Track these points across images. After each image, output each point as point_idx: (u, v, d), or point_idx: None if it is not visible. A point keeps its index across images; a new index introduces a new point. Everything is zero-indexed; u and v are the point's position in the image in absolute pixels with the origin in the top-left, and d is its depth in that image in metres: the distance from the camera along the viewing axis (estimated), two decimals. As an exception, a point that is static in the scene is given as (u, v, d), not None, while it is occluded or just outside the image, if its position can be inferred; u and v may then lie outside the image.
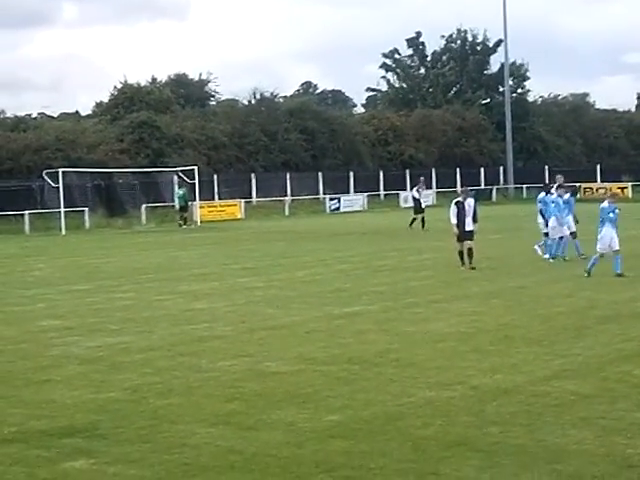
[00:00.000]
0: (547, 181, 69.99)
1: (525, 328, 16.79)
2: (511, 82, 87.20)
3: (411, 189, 70.44)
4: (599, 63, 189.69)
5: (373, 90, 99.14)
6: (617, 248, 23.69)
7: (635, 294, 20.79)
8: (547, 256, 28.14)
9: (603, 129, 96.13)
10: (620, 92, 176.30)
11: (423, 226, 42.93)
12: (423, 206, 44.10)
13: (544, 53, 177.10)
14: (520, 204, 69.20)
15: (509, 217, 52.52)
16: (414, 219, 43.98)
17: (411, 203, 64.14)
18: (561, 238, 28.12)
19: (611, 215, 23.61)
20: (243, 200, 63.16)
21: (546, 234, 28.77)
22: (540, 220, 29.39)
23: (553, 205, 28.21)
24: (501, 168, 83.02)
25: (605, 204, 23.96)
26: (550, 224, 28.09)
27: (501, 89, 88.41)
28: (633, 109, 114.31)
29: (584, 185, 74.96)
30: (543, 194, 29.72)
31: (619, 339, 15.45)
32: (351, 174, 73.90)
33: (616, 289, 21.64)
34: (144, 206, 57.05)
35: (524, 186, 79.16)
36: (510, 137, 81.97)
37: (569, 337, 15.81)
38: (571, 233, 28.35)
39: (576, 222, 28.79)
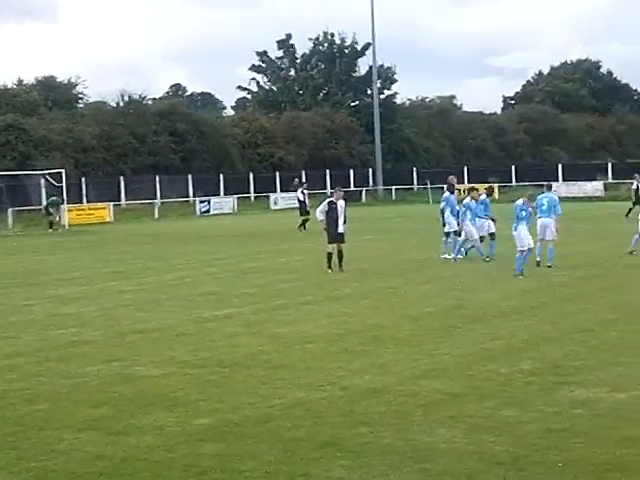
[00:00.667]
0: (416, 183, 71.05)
1: (394, 328, 16.98)
2: (379, 85, 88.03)
3: (284, 191, 70.87)
4: (466, 66, 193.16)
5: (244, 89, 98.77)
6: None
7: (502, 293, 21.24)
8: (452, 255, 28.14)
9: (470, 131, 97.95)
10: (486, 94, 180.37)
11: (304, 228, 42.61)
12: (308, 208, 42.71)
13: (412, 56, 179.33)
14: (389, 205, 70.11)
15: (379, 219, 53.08)
16: (304, 221, 42.95)
17: (282, 205, 64.21)
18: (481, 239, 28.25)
19: (524, 213, 24.16)
20: (112, 203, 62.40)
21: (447, 234, 28.80)
22: (445, 219, 29.31)
23: (464, 208, 28.07)
24: (370, 170, 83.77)
25: (519, 202, 24.45)
26: (469, 226, 27.90)
27: (369, 92, 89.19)
28: (499, 111, 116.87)
29: (451, 187, 76.14)
30: (447, 193, 29.77)
31: (486, 338, 15.75)
32: (221, 176, 73.68)
33: (483, 289, 22.06)
34: (10, 210, 55.83)
35: (393, 187, 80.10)
36: (379, 139, 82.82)
37: (437, 337, 16.06)
38: (490, 234, 28.37)
39: (493, 221, 28.66)
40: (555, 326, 16.85)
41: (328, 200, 26.98)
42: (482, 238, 28.24)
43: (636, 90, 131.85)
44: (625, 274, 24.17)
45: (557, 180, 73.68)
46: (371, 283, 23.89)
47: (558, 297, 20.54)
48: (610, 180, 73.59)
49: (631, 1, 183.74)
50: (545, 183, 29.57)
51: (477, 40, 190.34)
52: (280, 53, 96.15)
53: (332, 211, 26.33)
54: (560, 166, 78.32)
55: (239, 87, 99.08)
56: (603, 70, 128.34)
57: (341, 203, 26.59)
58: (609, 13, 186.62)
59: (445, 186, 31.26)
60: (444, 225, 29.26)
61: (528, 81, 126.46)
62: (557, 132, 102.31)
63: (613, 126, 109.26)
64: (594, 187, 71.21)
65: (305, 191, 44.90)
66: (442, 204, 29.64)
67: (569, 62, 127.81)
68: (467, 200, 28.38)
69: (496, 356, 14.32)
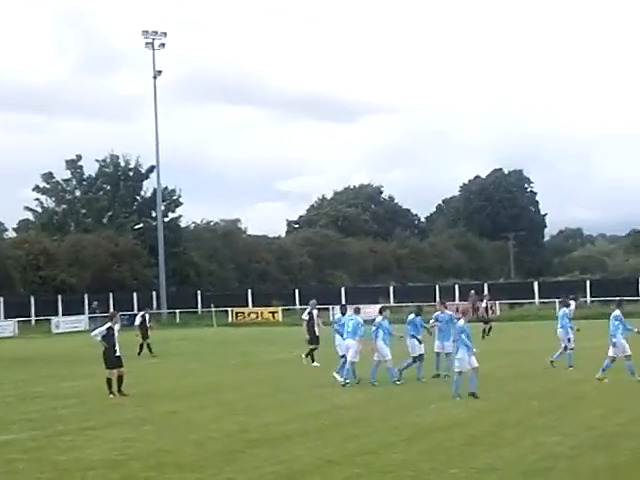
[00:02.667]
0: (200, 306, 70.72)
1: (177, 454, 16.72)
2: (164, 207, 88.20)
3: (66, 314, 69.28)
4: (253, 190, 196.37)
5: (30, 210, 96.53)
6: (475, 365, 23.75)
7: (286, 417, 21.23)
8: (344, 379, 27.28)
9: (255, 254, 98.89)
10: (273, 218, 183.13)
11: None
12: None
13: (200, 180, 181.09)
14: (174, 329, 69.44)
15: (161, 342, 52.44)
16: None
17: (64, 329, 62.45)
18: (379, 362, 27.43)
19: (463, 336, 23.54)
20: None
21: (343, 356, 27.99)
22: (338, 342, 28.88)
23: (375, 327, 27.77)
24: (154, 293, 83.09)
25: (461, 322, 24.00)
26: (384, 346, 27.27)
27: (154, 214, 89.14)
28: (284, 235, 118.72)
29: (236, 309, 76.49)
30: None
31: (269, 462, 15.69)
32: (1, 299, 71.59)
33: (268, 412, 22.02)
34: None
35: (177, 311, 79.52)
36: (163, 262, 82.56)
37: (220, 461, 15.89)
38: (419, 355, 27.84)
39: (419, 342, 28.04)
40: (338, 449, 16.96)
41: (107, 326, 26.32)
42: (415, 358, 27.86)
43: (416, 215, 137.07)
44: (404, 395, 24.66)
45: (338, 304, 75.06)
46: (154, 407, 23.50)
47: (341, 420, 20.71)
48: (392, 303, 75.45)
49: (414, 132, 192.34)
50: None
51: (265, 164, 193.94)
52: (68, 174, 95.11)
53: (110, 337, 25.79)
54: (343, 289, 79.84)
55: (26, 208, 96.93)
56: (385, 195, 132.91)
57: (117, 327, 26.13)
58: (393, 141, 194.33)
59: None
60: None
61: (312, 205, 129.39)
62: (340, 255, 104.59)
63: (394, 250, 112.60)
64: (376, 310, 72.59)
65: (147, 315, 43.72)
66: (335, 326, 29.45)
67: (352, 187, 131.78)
68: (379, 319, 28.10)
69: (280, 480, 14.26)
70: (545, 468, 14.70)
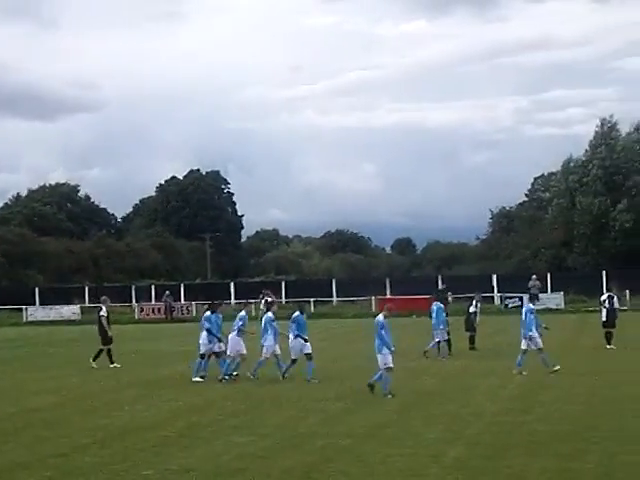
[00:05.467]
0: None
1: None
2: None
3: None
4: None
5: None
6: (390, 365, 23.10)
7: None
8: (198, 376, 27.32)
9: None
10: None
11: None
12: None
13: None
14: None
15: None
16: None
17: None
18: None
19: (382, 331, 22.98)
20: None
21: (202, 355, 27.69)
22: (202, 340, 27.96)
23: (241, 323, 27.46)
24: None
25: (380, 317, 23.36)
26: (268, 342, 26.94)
27: None
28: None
29: None
30: (209, 313, 28.28)
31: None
32: None
33: None
34: None
35: None
36: None
37: None
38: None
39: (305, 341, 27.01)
40: (30, 451, 16.54)
41: None
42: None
43: (113, 215, 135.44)
44: (99, 396, 24.36)
45: (34, 304, 73.38)
46: None
47: (33, 422, 20.22)
48: (87, 304, 74.20)
49: (112, 131, 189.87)
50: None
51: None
52: None
53: None
54: (37, 289, 77.91)
55: None
56: (81, 194, 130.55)
57: None
58: (91, 140, 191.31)
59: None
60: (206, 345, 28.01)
61: (6, 203, 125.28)
62: (35, 255, 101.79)
63: (91, 250, 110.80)
64: (71, 310, 71.39)
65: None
66: (205, 324, 28.21)
67: (48, 185, 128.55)
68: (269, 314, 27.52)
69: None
70: (238, 468, 14.90)
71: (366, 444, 16.65)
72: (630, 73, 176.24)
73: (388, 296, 70.55)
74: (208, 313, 28.47)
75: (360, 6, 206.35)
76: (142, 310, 71.60)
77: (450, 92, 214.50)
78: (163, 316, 69.32)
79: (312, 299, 68.03)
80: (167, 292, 71.98)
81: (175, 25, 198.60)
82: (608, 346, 33.76)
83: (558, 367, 26.40)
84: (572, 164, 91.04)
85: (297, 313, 27.33)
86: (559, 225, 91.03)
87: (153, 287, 77.35)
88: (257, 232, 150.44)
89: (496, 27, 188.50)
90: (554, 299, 64.42)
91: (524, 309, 27.87)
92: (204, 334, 28.02)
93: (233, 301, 74.97)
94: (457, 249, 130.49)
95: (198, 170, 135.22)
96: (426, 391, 23.81)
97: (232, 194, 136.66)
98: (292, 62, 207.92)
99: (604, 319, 34.80)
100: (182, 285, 79.47)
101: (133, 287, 78.69)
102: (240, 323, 27.87)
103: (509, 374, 26.47)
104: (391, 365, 22.99)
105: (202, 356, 27.94)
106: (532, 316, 27.24)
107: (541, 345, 26.86)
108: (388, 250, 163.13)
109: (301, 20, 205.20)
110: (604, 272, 66.32)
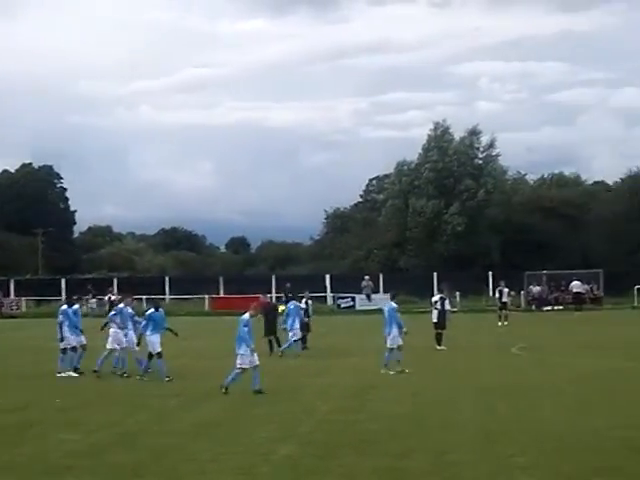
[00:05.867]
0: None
1: None
2: None
3: None
4: None
5: None
6: (257, 363, 22.85)
7: None
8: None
9: None
10: None
11: None
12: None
13: None
14: None
15: None
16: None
17: None
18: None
19: (245, 328, 22.72)
20: None
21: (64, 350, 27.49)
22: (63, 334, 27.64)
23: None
24: None
25: (246, 316, 22.94)
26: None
27: None
28: None
29: None
30: (65, 306, 28.19)
31: None
32: None
33: None
34: None
35: None
36: None
37: None
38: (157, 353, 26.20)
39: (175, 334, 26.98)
40: None
41: None
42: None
43: None
44: None
45: None
46: None
47: None
48: None
49: None
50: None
51: None
52: None
53: None
54: None
55: None
56: None
57: None
58: None
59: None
60: (62, 340, 27.71)
61: None
62: None
63: None
64: None
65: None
66: (60, 317, 27.84)
67: None
68: (151, 311, 27.08)
69: None
70: (67, 466, 14.64)
71: (197, 442, 16.59)
72: (467, 78, 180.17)
73: (222, 295, 70.61)
74: (65, 307, 28.42)
75: (200, 3, 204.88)
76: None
77: (291, 92, 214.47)
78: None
79: (145, 296, 67.36)
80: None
81: (11, 18, 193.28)
82: (438, 347, 34.52)
83: (408, 370, 26.89)
84: (405, 167, 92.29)
85: (152, 310, 27.19)
86: (392, 227, 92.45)
87: (-19, 282, 75.28)
88: (90, 228, 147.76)
89: (337, 28, 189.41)
90: (386, 299, 65.46)
91: (386, 308, 28.34)
92: (65, 328, 27.83)
93: (64, 297, 73.64)
94: (291, 249, 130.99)
95: (30, 164, 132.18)
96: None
97: (65, 189, 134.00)
98: (130, 57, 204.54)
99: (435, 320, 35.54)
100: (12, 281, 77.57)
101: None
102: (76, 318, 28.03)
103: (341, 373, 26.80)
104: (246, 366, 22.95)
105: (63, 351, 27.76)
106: (395, 314, 27.78)
107: (401, 343, 27.45)
108: (222, 249, 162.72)
109: (139, 15, 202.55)
110: (435, 274, 67.86)
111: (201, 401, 22.03)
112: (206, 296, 69.04)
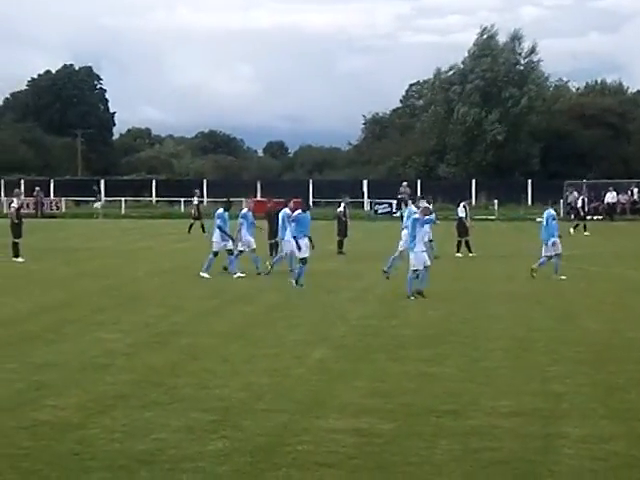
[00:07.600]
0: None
1: None
2: None
3: None
4: None
5: None
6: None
7: None
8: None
9: None
10: None
11: None
12: None
13: None
14: None
15: None
16: None
17: None
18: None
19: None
20: None
21: (230, 251, 27.87)
22: (215, 238, 27.86)
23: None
24: None
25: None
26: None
27: None
28: None
29: None
30: (221, 210, 28.10)
31: None
32: None
33: None
34: None
35: None
36: None
37: None
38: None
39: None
40: None
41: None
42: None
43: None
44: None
45: None
46: None
47: None
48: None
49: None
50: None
51: None
52: None
53: None
54: None
55: None
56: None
57: None
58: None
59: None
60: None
61: None
62: None
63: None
64: None
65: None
66: (218, 221, 28.08)
67: None
68: (244, 210, 28.66)
69: None
70: (103, 364, 14.84)
71: (231, 344, 16.74)
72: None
73: (259, 198, 70.67)
74: (221, 210, 28.40)
75: None
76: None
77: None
78: (33, 211, 68.04)
79: (182, 199, 67.54)
80: (37, 188, 70.68)
81: None
82: (470, 254, 34.47)
83: (564, 277, 26.90)
84: (451, 71, 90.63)
85: (299, 211, 26.67)
86: (431, 134, 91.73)
87: (23, 181, 75.75)
88: (129, 130, 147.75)
89: None
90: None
91: (545, 215, 28.24)
92: (217, 232, 28.03)
93: (103, 199, 74.19)
94: (329, 154, 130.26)
95: (72, 65, 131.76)
96: (291, 293, 24.05)
97: (105, 91, 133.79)
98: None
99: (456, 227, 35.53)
100: (52, 181, 78.08)
101: (2, 180, 76.97)
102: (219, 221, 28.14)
103: (376, 279, 26.84)
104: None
105: (215, 254, 27.95)
106: (554, 222, 27.76)
107: (560, 251, 27.51)
108: (260, 153, 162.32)
109: None
110: (474, 181, 67.50)
111: (233, 304, 22.18)
112: (243, 199, 69.01)
